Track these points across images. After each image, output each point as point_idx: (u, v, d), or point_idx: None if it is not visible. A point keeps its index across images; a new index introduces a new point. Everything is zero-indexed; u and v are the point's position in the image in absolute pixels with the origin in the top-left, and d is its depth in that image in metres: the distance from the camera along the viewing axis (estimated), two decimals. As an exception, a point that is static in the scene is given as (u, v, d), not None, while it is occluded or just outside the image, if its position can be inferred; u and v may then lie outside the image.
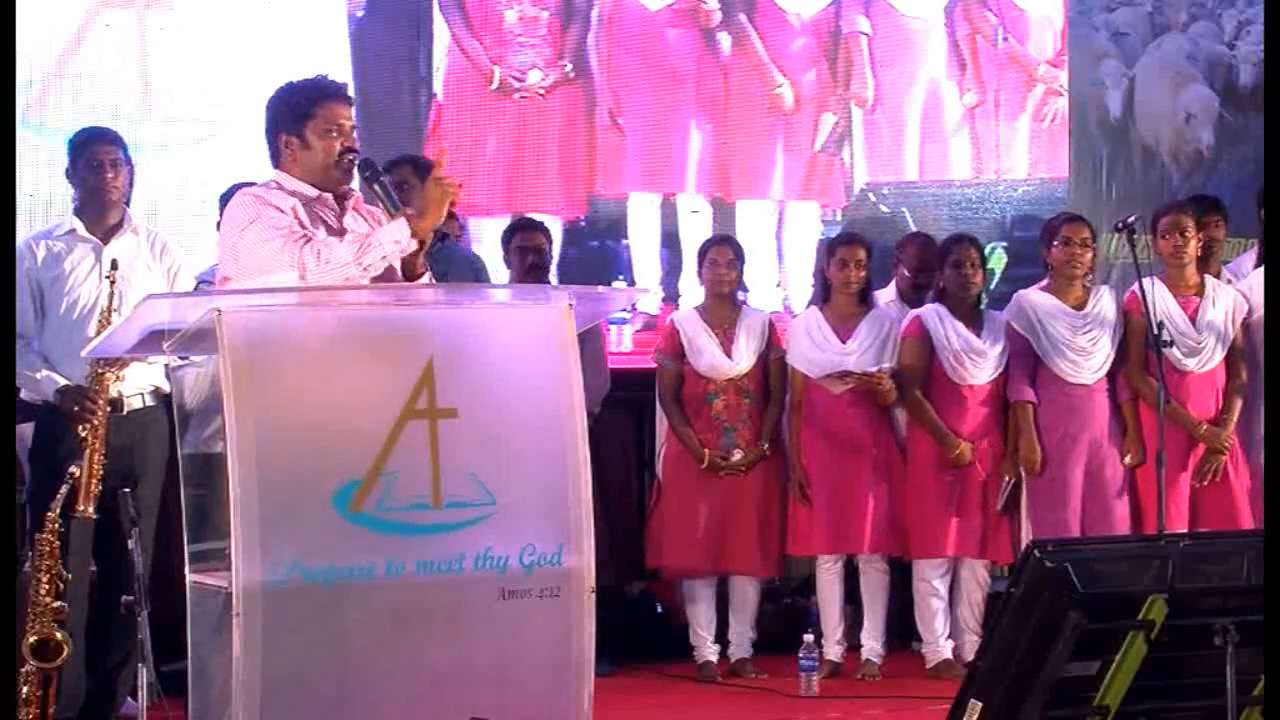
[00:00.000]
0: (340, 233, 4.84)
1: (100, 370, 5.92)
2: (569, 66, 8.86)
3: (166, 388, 6.28)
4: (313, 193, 4.90)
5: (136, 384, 6.14)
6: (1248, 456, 7.40)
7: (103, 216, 6.24)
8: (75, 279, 6.17)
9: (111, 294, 5.91)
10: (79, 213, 6.27)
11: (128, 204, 7.09)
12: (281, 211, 4.80)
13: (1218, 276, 7.63)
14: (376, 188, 4.86)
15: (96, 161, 6.22)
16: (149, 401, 6.21)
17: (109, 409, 5.94)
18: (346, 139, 4.89)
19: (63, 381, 6.05)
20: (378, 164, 4.95)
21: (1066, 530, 7.17)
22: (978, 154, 9.55)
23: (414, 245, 4.74)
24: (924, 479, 7.41)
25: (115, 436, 5.96)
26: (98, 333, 5.90)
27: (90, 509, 5.79)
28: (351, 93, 5.17)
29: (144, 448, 6.19)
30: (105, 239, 6.22)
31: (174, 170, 7.99)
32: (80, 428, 5.87)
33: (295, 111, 4.91)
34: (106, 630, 6.06)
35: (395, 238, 4.70)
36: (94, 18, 7.95)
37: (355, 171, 4.96)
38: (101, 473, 5.83)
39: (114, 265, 5.96)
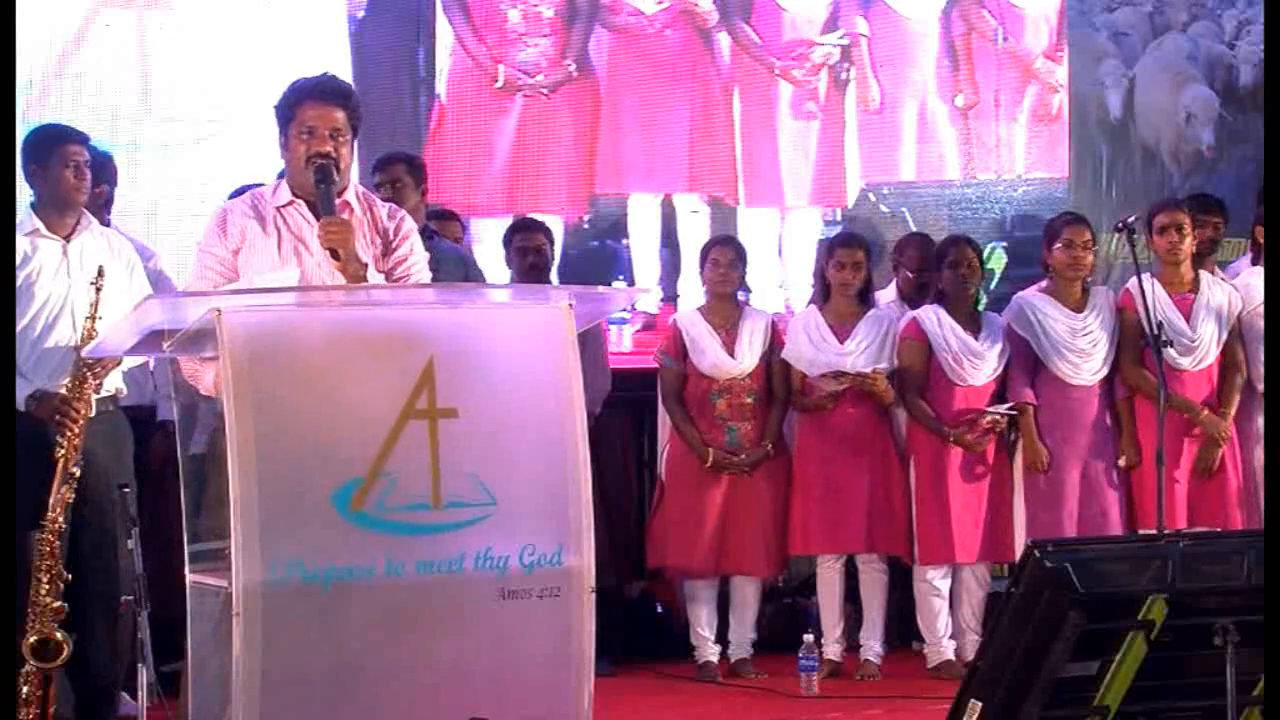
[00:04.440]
0: (303, 241, 4.90)
1: (83, 375, 5.88)
2: (572, 66, 8.86)
3: (125, 390, 6.27)
4: (287, 198, 4.95)
5: (104, 386, 6.10)
6: (1246, 453, 7.41)
7: (64, 215, 6.16)
8: (43, 279, 6.09)
9: (96, 300, 5.85)
10: (40, 212, 6.18)
11: (110, 201, 7.09)
12: (225, 238, 4.92)
13: (1212, 275, 7.64)
14: (320, 188, 4.85)
15: (69, 162, 6.14)
16: (110, 406, 6.17)
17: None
18: (319, 143, 4.87)
19: (32, 386, 6.00)
20: (332, 170, 4.86)
21: (1060, 532, 7.17)
22: (977, 154, 9.55)
23: None
24: (928, 485, 7.40)
25: (85, 438, 5.90)
26: (83, 336, 5.86)
27: (61, 518, 5.75)
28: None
29: (114, 449, 6.14)
30: (68, 238, 6.15)
31: (174, 170, 7.99)
32: (59, 435, 5.82)
33: (282, 112, 4.95)
34: (91, 631, 6.02)
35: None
36: (94, 18, 7.94)
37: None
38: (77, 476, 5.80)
39: (100, 271, 5.91)
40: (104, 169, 6.96)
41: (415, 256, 5.03)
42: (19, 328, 6.00)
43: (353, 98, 5.02)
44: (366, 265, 4.85)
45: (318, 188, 4.84)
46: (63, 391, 5.89)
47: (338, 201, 4.89)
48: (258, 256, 4.91)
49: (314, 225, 4.88)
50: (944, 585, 7.46)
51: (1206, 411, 7.33)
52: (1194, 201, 7.91)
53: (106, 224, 6.58)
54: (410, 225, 5.08)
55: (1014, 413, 7.35)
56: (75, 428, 5.82)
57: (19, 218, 6.17)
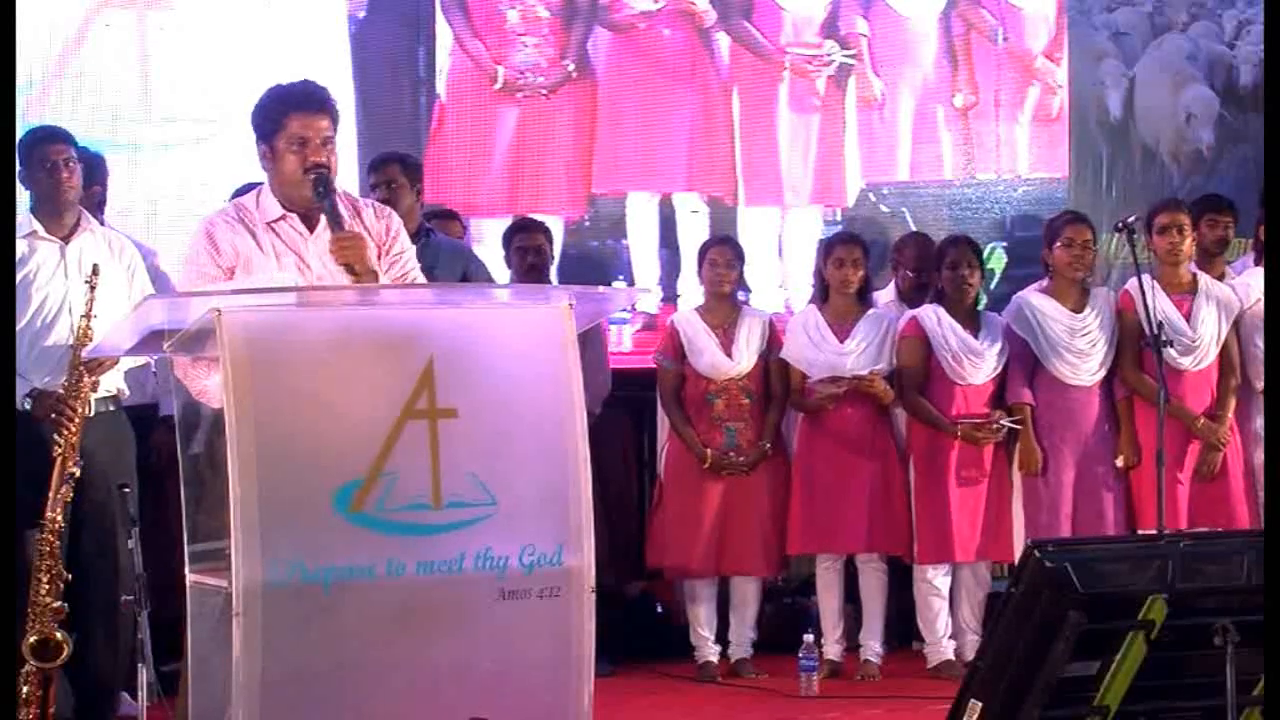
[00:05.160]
0: (300, 255, 4.82)
1: (79, 374, 5.88)
2: (571, 66, 8.86)
3: (126, 391, 6.28)
4: (278, 213, 4.83)
5: (104, 385, 6.11)
6: (1247, 453, 7.41)
7: (61, 217, 6.19)
8: (41, 280, 6.13)
9: (91, 299, 5.86)
10: (36, 214, 6.21)
11: (104, 202, 7.10)
12: (218, 255, 4.77)
13: (1222, 277, 7.64)
14: (326, 202, 4.77)
15: (50, 162, 6.16)
16: (110, 406, 6.18)
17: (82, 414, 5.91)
18: (314, 154, 4.76)
19: (30, 385, 6.02)
20: (332, 182, 4.78)
21: (1058, 532, 7.17)
22: (977, 154, 9.55)
23: None
24: (927, 485, 7.40)
25: (83, 438, 5.91)
26: (78, 336, 5.87)
27: (60, 517, 5.75)
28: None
29: (113, 449, 6.16)
30: (66, 239, 6.18)
31: (174, 170, 7.99)
32: (57, 434, 5.84)
33: (267, 122, 4.81)
34: (91, 631, 6.03)
35: None
36: (94, 18, 7.94)
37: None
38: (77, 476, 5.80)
39: (95, 270, 5.92)
40: (95, 169, 6.97)
41: (408, 253, 4.98)
42: (18, 328, 6.01)
43: (334, 103, 4.89)
44: (378, 275, 4.78)
45: (322, 201, 4.75)
46: (59, 391, 5.90)
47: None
48: (256, 277, 4.78)
49: (306, 238, 4.83)
50: (944, 585, 7.46)
51: (1204, 420, 7.32)
52: (1205, 202, 7.91)
53: (100, 224, 6.59)
54: (398, 222, 5.00)
55: (1018, 426, 7.34)
56: (72, 426, 5.83)
57: (19, 220, 6.19)
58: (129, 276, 6.26)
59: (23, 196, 6.34)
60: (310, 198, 4.79)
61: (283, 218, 4.84)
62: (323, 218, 4.81)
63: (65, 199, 6.19)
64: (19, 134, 6.44)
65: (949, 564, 7.45)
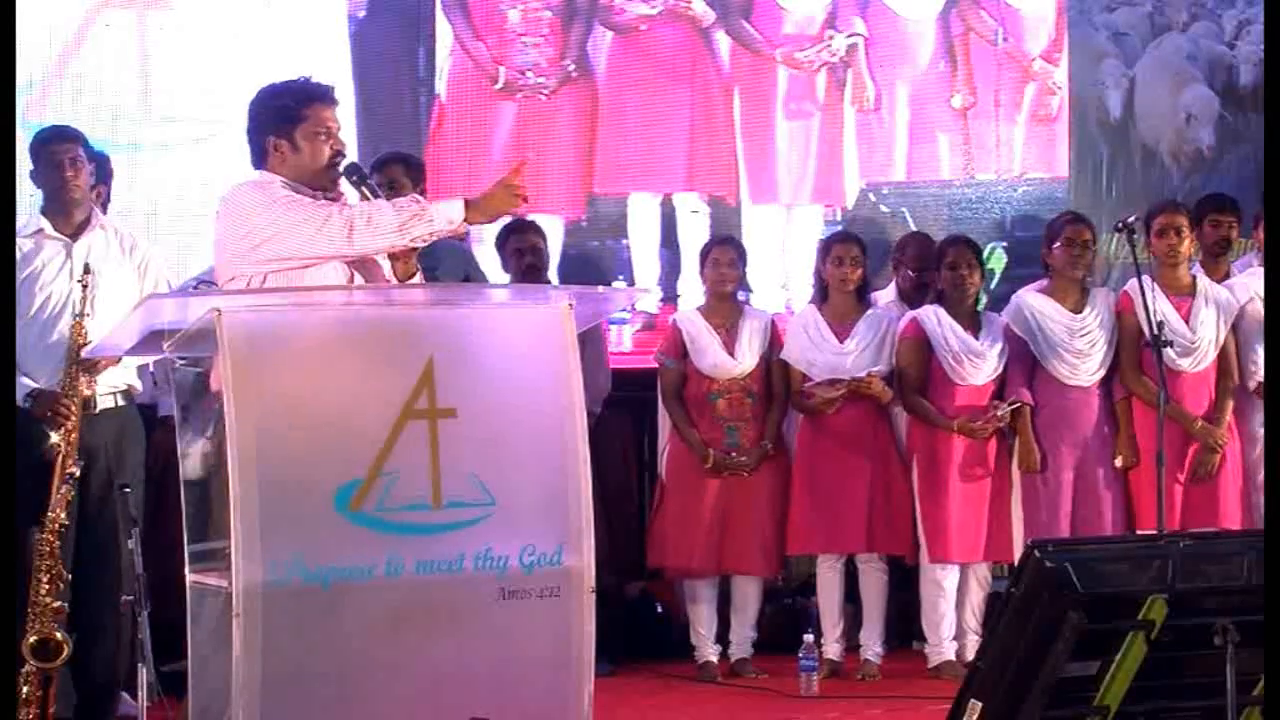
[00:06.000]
0: None
1: (74, 372, 5.89)
2: (571, 66, 8.86)
3: (139, 386, 6.28)
4: (309, 194, 4.87)
5: (109, 382, 6.11)
6: (1245, 454, 7.40)
7: (69, 215, 6.21)
8: (45, 278, 6.14)
9: (85, 298, 5.87)
10: (45, 212, 6.23)
11: (108, 201, 7.11)
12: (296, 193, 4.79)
13: (1227, 277, 7.64)
14: (365, 189, 4.85)
15: (56, 160, 6.19)
16: (120, 401, 6.19)
17: (81, 412, 5.91)
18: (336, 142, 4.88)
19: (32, 384, 6.03)
20: (362, 166, 4.90)
21: (1057, 532, 7.16)
22: (976, 154, 9.54)
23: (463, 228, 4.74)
24: (929, 484, 7.40)
25: (89, 436, 5.93)
26: (72, 334, 5.88)
27: (62, 515, 5.76)
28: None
29: (120, 447, 6.16)
30: (74, 237, 6.20)
31: (174, 170, 8.00)
32: (55, 433, 5.84)
33: (283, 114, 4.88)
34: (92, 630, 6.03)
35: (449, 216, 4.68)
36: (94, 18, 7.95)
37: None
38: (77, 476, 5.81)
39: (86, 269, 5.93)
40: (99, 169, 6.98)
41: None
42: (22, 323, 6.01)
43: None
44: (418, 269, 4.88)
45: (363, 182, 4.85)
46: (57, 390, 5.91)
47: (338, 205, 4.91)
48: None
49: None
50: (951, 586, 7.44)
51: (1201, 423, 7.31)
52: (1208, 202, 7.89)
53: (108, 224, 6.61)
54: None
55: (1018, 405, 7.33)
56: (69, 425, 5.83)
57: (27, 219, 6.20)
58: (140, 274, 6.27)
59: (36, 195, 6.35)
60: (329, 182, 4.88)
61: (315, 198, 4.87)
62: (338, 202, 4.89)
63: (71, 197, 6.20)
64: (22, 135, 6.45)
65: (954, 564, 7.44)
